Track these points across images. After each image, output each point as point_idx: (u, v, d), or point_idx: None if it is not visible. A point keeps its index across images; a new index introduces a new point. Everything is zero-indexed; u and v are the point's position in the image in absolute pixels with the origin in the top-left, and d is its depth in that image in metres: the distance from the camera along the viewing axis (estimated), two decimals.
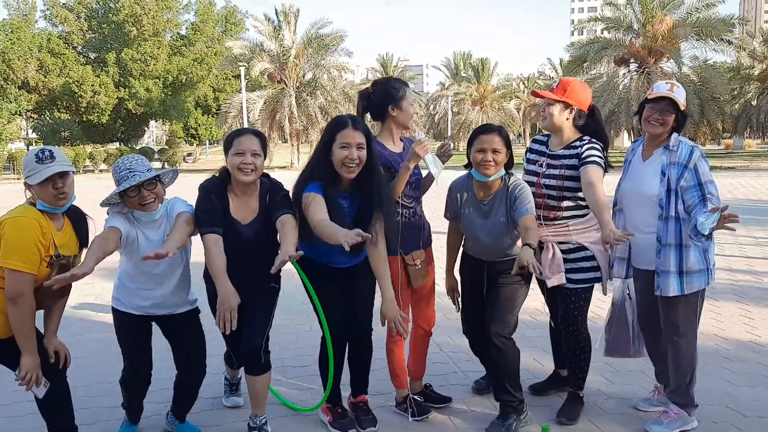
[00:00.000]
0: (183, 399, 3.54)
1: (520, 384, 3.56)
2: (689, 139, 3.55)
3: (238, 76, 41.74)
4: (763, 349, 4.82)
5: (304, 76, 38.40)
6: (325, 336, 3.43)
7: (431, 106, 67.26)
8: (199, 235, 3.24)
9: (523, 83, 71.80)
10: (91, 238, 3.10)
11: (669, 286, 3.38)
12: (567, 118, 3.62)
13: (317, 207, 3.14)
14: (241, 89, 36.98)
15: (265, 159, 3.35)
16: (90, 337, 5.43)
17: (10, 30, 36.24)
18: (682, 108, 3.45)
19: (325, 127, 3.39)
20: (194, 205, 3.29)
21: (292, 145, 38.63)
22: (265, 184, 3.39)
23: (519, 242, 3.52)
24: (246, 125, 32.67)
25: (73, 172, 2.95)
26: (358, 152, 3.22)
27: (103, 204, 3.23)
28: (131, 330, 3.35)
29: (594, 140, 3.59)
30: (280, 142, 43.33)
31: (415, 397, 3.82)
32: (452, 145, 3.37)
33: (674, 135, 3.48)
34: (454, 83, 68.84)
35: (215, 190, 3.31)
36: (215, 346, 4.00)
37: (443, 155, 3.71)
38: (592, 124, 3.66)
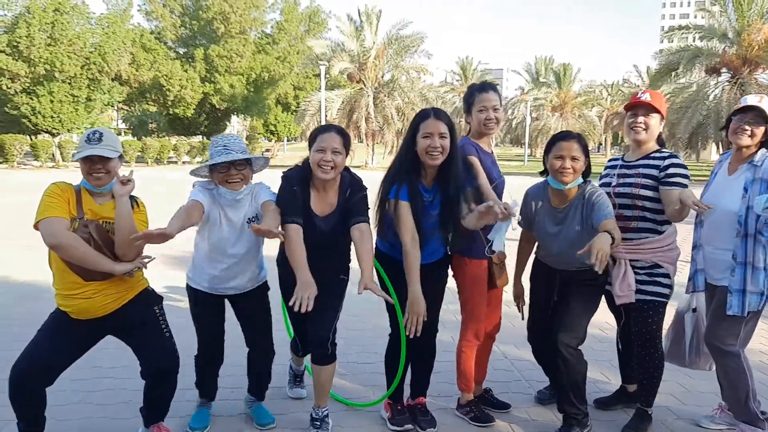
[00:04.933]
0: (255, 377, 3.69)
1: (585, 397, 3.49)
2: None
3: (318, 75, 42.48)
4: None
5: (382, 77, 38.73)
6: (400, 332, 3.42)
7: (509, 111, 66.42)
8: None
9: (607, 90, 69.82)
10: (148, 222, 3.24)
11: (745, 305, 3.28)
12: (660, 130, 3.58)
13: (407, 221, 3.27)
14: (320, 88, 37.60)
15: (347, 157, 3.40)
16: None
17: (106, 24, 37.95)
18: None
19: (410, 121, 3.45)
20: (277, 193, 3.38)
21: (368, 145, 38.98)
22: (346, 178, 3.44)
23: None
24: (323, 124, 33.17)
25: (120, 157, 3.07)
26: (441, 141, 3.27)
27: (192, 173, 3.40)
28: (203, 306, 3.47)
29: (675, 155, 3.50)
30: (355, 141, 43.82)
31: (483, 403, 3.83)
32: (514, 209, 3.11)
33: (762, 150, 3.35)
34: (534, 88, 67.77)
35: (298, 181, 3.37)
36: (283, 337, 4.11)
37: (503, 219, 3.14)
38: (659, 135, 3.62)
